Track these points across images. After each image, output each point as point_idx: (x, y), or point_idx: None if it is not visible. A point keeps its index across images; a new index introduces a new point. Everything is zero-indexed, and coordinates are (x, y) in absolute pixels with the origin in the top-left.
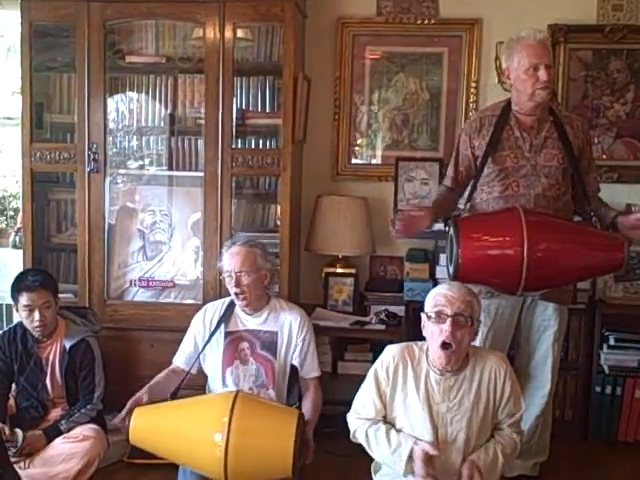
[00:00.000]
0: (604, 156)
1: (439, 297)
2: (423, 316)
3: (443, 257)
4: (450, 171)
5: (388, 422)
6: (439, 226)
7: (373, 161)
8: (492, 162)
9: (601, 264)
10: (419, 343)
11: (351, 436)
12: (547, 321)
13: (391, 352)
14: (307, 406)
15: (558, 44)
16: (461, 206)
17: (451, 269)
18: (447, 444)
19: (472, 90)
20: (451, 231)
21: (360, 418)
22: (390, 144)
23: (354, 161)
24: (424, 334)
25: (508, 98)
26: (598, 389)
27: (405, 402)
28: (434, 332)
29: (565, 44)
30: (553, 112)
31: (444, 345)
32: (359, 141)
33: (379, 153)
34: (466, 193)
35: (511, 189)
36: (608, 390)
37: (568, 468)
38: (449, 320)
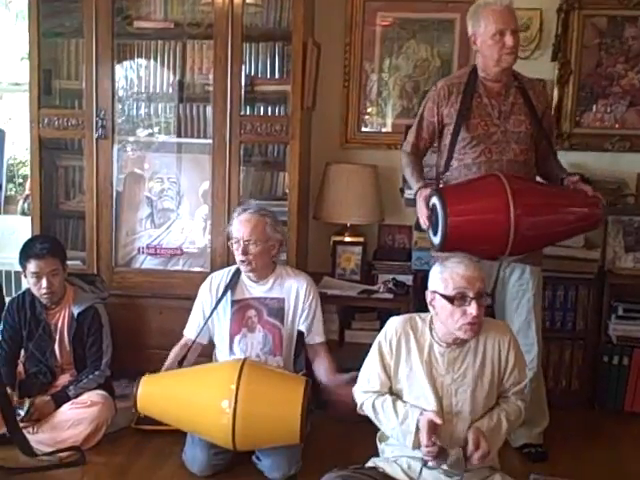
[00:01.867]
0: (617, 125)
1: (457, 278)
2: (434, 295)
3: None
4: (411, 137)
5: (394, 394)
6: None
7: (383, 129)
8: (465, 130)
9: (580, 223)
10: (422, 315)
11: (358, 409)
12: (525, 285)
13: (394, 324)
14: (323, 366)
15: (572, 10)
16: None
17: (436, 239)
18: (452, 415)
19: None
20: (434, 200)
21: (366, 391)
22: (400, 112)
23: (364, 129)
24: (433, 312)
25: (473, 65)
26: (605, 359)
27: (409, 374)
28: (454, 314)
29: (579, 10)
30: (516, 78)
31: (471, 325)
32: (369, 109)
33: (389, 121)
34: (435, 161)
35: (484, 155)
36: (615, 360)
37: (575, 438)
38: (474, 303)
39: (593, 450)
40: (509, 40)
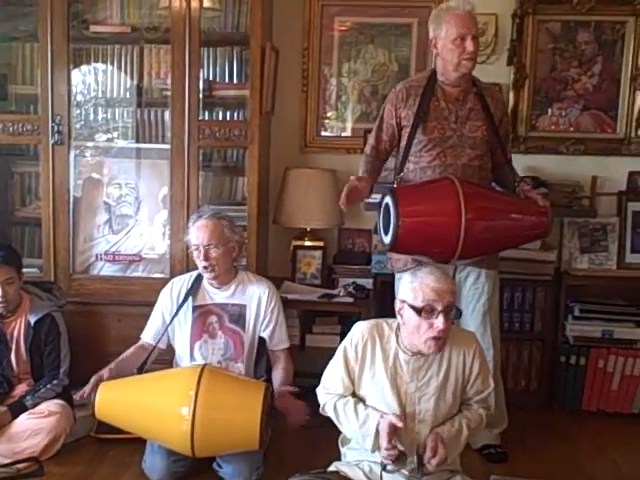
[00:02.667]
0: (571, 128)
1: (427, 290)
2: (403, 304)
3: None
4: (372, 140)
5: (357, 397)
6: None
7: (343, 134)
8: (421, 132)
9: (529, 231)
10: (389, 321)
11: (320, 409)
12: (480, 288)
13: (360, 329)
14: (278, 374)
15: (527, 15)
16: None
17: (387, 239)
18: (415, 423)
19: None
20: (387, 200)
21: (329, 393)
22: (359, 116)
23: (324, 133)
24: (401, 321)
25: (433, 69)
26: (563, 359)
27: (373, 380)
28: (421, 326)
29: (534, 16)
30: (475, 84)
31: (436, 338)
32: (329, 114)
33: (349, 125)
34: (394, 163)
35: (439, 159)
36: (573, 360)
37: (533, 437)
38: (442, 316)
39: (552, 449)
40: (469, 45)
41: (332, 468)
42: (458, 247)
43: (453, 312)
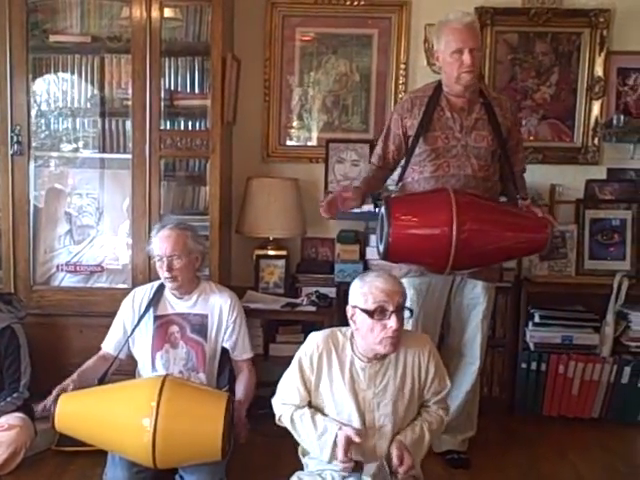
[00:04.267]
0: (531, 137)
1: (377, 292)
2: (355, 310)
3: (373, 238)
4: (379, 149)
5: (313, 407)
6: (369, 207)
7: (309, 143)
8: (424, 142)
9: (525, 245)
10: (343, 329)
11: (276, 420)
12: (476, 299)
13: (315, 340)
14: (240, 387)
15: (485, 27)
16: (392, 187)
17: (381, 248)
18: (375, 429)
19: (401, 72)
20: (382, 210)
21: (285, 404)
22: (322, 126)
23: (289, 143)
24: (354, 326)
25: (439, 79)
26: (524, 365)
27: (331, 389)
28: (374, 328)
29: (492, 27)
30: (483, 94)
31: (392, 338)
32: (294, 123)
33: (314, 135)
34: (397, 173)
35: (442, 169)
36: (533, 366)
37: (495, 443)
38: (394, 316)
39: (513, 455)
40: (467, 59)
41: (294, 478)
42: (450, 258)
43: (404, 312)
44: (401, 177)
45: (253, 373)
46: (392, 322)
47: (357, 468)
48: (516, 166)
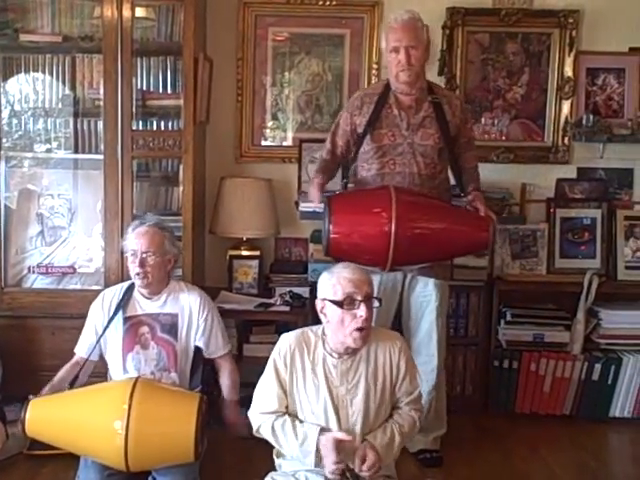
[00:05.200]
0: (503, 137)
1: (345, 282)
2: (324, 302)
3: None
4: (328, 144)
5: (291, 414)
6: None
7: (284, 143)
8: (371, 139)
9: (466, 243)
10: (313, 328)
11: (254, 431)
12: (428, 297)
13: (287, 340)
14: (225, 382)
15: (456, 27)
16: (337, 187)
17: (323, 244)
18: (348, 425)
19: (373, 72)
20: (324, 208)
21: (263, 413)
22: (295, 126)
23: (264, 143)
24: (324, 319)
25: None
26: (496, 363)
27: (305, 388)
28: (344, 319)
29: (463, 27)
30: (432, 91)
31: (360, 329)
32: (269, 123)
33: (290, 135)
34: (347, 170)
35: (388, 167)
36: (505, 364)
37: (468, 440)
38: (363, 305)
39: (486, 452)
40: (402, 57)
41: (268, 479)
42: (389, 256)
43: (373, 301)
44: (346, 174)
45: (234, 365)
46: (362, 311)
47: (345, 472)
48: (466, 163)
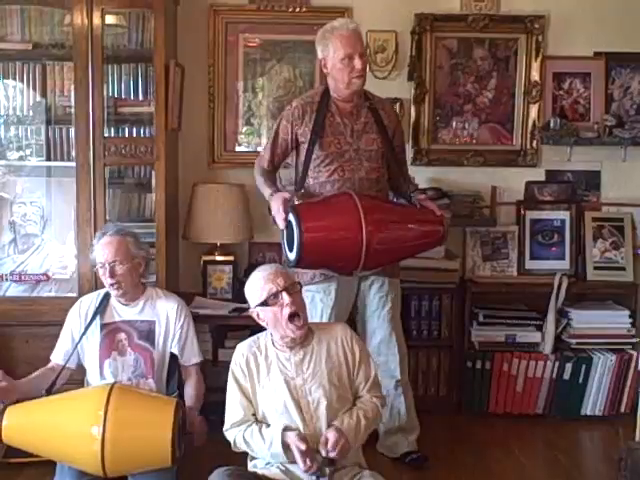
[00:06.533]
0: (474, 141)
1: (262, 282)
2: (255, 310)
3: None
4: (266, 154)
5: (260, 421)
6: None
7: (259, 148)
8: (318, 148)
9: (426, 239)
10: (263, 333)
11: (232, 447)
12: (385, 297)
13: (239, 350)
14: (189, 392)
15: (424, 32)
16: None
17: (292, 255)
18: (311, 413)
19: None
20: (290, 217)
21: (234, 424)
22: (266, 131)
23: (238, 149)
24: (264, 324)
25: (325, 85)
26: (469, 364)
27: (266, 389)
28: (276, 314)
29: (431, 33)
30: (368, 98)
31: (292, 316)
32: (243, 129)
33: (263, 141)
34: (297, 178)
35: (337, 174)
36: (478, 365)
37: (443, 441)
38: (284, 293)
39: (461, 452)
40: (358, 63)
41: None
42: (361, 259)
43: (294, 287)
44: (301, 183)
45: (201, 377)
46: (286, 299)
47: (322, 466)
48: (403, 166)
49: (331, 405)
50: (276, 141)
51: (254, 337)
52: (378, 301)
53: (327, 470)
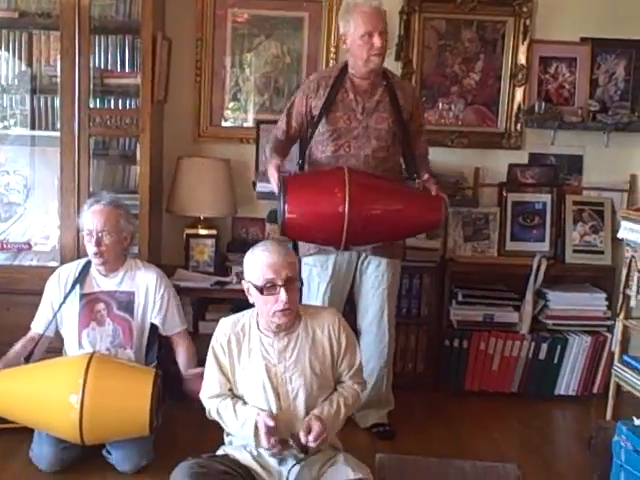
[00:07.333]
0: (459, 122)
1: (264, 268)
2: (248, 284)
3: None
4: (282, 124)
5: (236, 396)
6: None
7: (245, 124)
8: (326, 122)
9: (419, 222)
10: (248, 312)
11: (207, 415)
12: (380, 276)
13: (223, 327)
14: (182, 358)
15: (413, 13)
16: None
17: (279, 227)
18: (290, 402)
19: (331, 55)
20: (279, 189)
21: (210, 397)
22: (253, 107)
23: (224, 124)
24: (251, 301)
25: (346, 61)
26: (447, 342)
27: (245, 371)
28: (267, 302)
29: (420, 13)
30: (387, 77)
31: (283, 311)
32: (230, 104)
33: (250, 116)
34: (301, 150)
35: (343, 149)
36: (456, 343)
37: (419, 417)
38: (283, 290)
39: (436, 428)
40: (377, 41)
41: (221, 452)
42: (342, 235)
43: (295, 284)
44: (303, 156)
45: (190, 341)
46: (282, 296)
47: (284, 447)
48: (417, 149)
49: (310, 395)
50: (291, 112)
51: (239, 314)
52: (374, 280)
53: (300, 456)
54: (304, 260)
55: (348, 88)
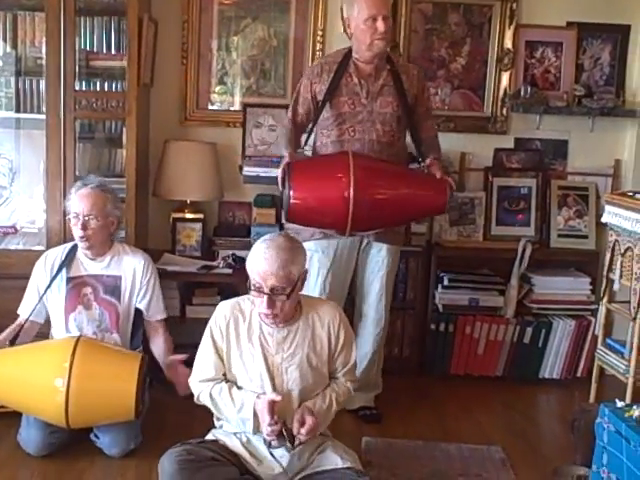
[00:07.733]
0: (446, 107)
1: (254, 272)
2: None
3: None
4: (290, 113)
5: (230, 381)
6: None
7: (231, 107)
8: (330, 107)
9: (424, 206)
10: (249, 296)
11: (195, 399)
12: (381, 262)
13: (222, 310)
14: (161, 345)
15: None
16: (307, 152)
17: (284, 214)
18: (284, 393)
19: (318, 38)
20: (285, 174)
21: (202, 381)
22: (240, 90)
23: (211, 107)
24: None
25: (350, 46)
26: (433, 326)
27: (242, 357)
28: (256, 300)
29: None
30: (391, 61)
31: (266, 315)
32: (217, 88)
33: (237, 99)
34: (307, 137)
35: (347, 134)
36: (442, 327)
37: (405, 401)
38: (265, 298)
39: (422, 412)
40: (381, 26)
41: (210, 436)
42: (348, 220)
43: (285, 291)
44: (314, 141)
45: (168, 334)
46: (263, 303)
47: (281, 432)
48: (424, 132)
49: (305, 388)
50: (297, 99)
51: (239, 298)
52: (374, 266)
53: (289, 445)
54: (306, 245)
55: (352, 72)
